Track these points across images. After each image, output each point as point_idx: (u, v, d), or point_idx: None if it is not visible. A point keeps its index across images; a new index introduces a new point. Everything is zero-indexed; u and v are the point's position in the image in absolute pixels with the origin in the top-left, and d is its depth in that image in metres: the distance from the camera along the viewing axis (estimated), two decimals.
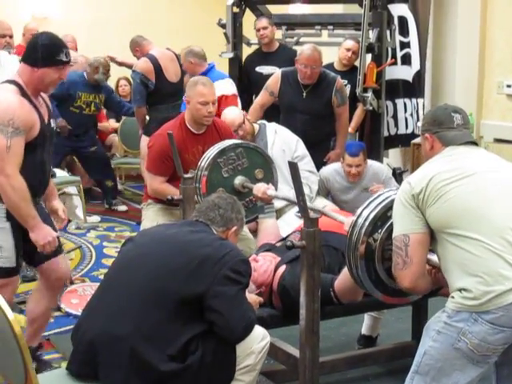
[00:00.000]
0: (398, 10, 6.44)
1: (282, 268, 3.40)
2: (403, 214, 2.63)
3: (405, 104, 6.41)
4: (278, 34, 7.09)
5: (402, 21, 6.44)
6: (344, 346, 4.07)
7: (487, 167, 2.64)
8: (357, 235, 2.91)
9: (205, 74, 6.24)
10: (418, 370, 2.63)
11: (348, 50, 6.36)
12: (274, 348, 3.29)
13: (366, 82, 6.15)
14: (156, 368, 2.73)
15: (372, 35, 6.26)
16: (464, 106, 6.76)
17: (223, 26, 7.00)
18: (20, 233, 3.55)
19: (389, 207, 2.84)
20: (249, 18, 7.31)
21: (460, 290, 2.51)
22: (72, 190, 6.91)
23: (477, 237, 2.49)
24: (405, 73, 6.32)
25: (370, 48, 6.19)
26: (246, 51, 7.34)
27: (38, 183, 3.57)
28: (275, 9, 7.61)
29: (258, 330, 2.96)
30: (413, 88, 6.53)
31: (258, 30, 6.69)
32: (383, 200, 2.92)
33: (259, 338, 2.94)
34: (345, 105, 5.81)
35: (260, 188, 3.98)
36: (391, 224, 2.79)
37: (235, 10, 7.04)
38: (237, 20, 7.03)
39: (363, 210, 2.94)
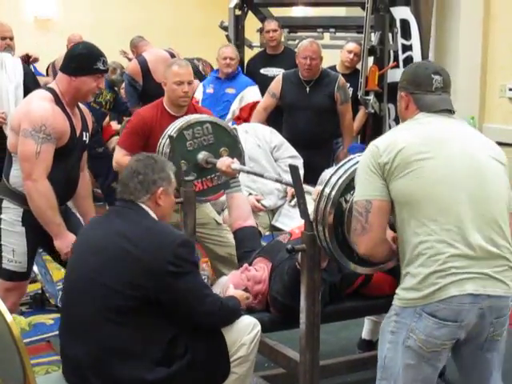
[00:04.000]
0: (401, 12, 6.44)
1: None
2: (368, 178, 2.53)
3: None
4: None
5: (404, 24, 6.43)
6: (344, 349, 4.05)
7: (460, 148, 2.52)
8: (324, 204, 2.79)
9: (233, 77, 6.32)
10: (382, 375, 2.61)
11: (350, 52, 6.37)
12: (274, 352, 3.28)
13: (368, 84, 6.16)
14: (142, 379, 2.64)
15: (374, 38, 6.27)
16: (466, 109, 6.78)
17: (225, 29, 7.02)
18: (37, 237, 3.60)
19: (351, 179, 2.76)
20: (251, 20, 7.31)
21: (406, 274, 2.49)
22: None
23: (433, 227, 2.43)
24: None
25: (372, 51, 6.20)
26: (248, 54, 7.35)
27: (62, 192, 3.59)
28: (278, 11, 7.62)
29: (247, 321, 2.93)
30: None
31: (268, 32, 6.71)
32: (351, 166, 2.81)
33: (249, 329, 2.91)
34: (348, 103, 5.83)
35: (224, 161, 3.86)
36: None
37: (237, 12, 7.05)
38: (239, 22, 7.05)
39: (331, 176, 2.83)
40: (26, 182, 3.45)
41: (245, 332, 2.89)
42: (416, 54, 6.42)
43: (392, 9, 6.41)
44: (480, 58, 6.84)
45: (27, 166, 3.44)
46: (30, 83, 5.31)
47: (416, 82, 2.65)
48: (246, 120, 6.16)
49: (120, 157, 4.49)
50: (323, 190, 2.83)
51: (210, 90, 6.64)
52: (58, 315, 4.61)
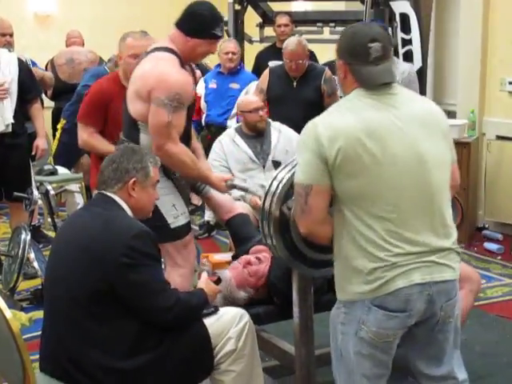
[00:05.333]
0: (400, 6, 6.42)
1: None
2: (310, 162, 2.43)
3: None
4: None
5: (404, 18, 6.42)
6: None
7: (399, 143, 2.42)
8: (269, 203, 2.81)
9: (236, 73, 6.33)
10: (340, 366, 2.60)
11: None
12: (270, 345, 3.29)
13: None
14: (110, 368, 2.62)
15: None
16: (466, 103, 6.77)
17: (225, 24, 7.00)
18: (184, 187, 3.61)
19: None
20: (250, 15, 7.31)
21: (347, 266, 2.47)
22: (74, 187, 6.92)
23: (377, 225, 2.40)
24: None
25: None
26: (248, 48, 7.35)
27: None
28: (277, 6, 7.62)
29: (232, 312, 2.89)
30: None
31: (279, 26, 6.74)
32: (290, 170, 2.82)
33: (235, 321, 2.87)
34: (334, 95, 5.86)
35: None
36: None
37: (237, 7, 7.08)
38: (238, 17, 7.06)
39: (273, 180, 2.85)
40: (158, 152, 3.30)
41: (231, 325, 2.85)
42: (416, 48, 6.41)
43: (391, 3, 6.40)
44: (480, 52, 6.82)
45: (158, 138, 3.34)
46: (26, 79, 5.33)
47: (352, 52, 2.49)
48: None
49: (87, 135, 4.38)
50: (270, 186, 2.83)
51: (212, 85, 6.66)
52: None
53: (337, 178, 2.42)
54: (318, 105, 5.75)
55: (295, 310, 2.97)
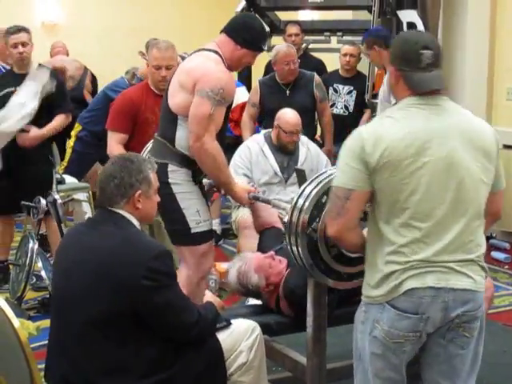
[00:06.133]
0: (407, 16, 6.42)
1: (286, 272, 3.40)
2: (352, 165, 2.46)
3: None
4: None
5: (412, 27, 6.41)
6: (351, 353, 4.04)
7: (442, 156, 2.42)
8: (296, 218, 2.90)
9: None
10: (358, 365, 2.63)
11: (345, 55, 6.49)
12: (281, 355, 3.28)
13: (376, 88, 6.16)
14: None
15: None
16: (473, 112, 6.70)
17: None
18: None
19: (323, 193, 2.85)
20: None
21: (372, 267, 2.52)
22: (81, 196, 6.91)
23: (409, 232, 2.43)
24: None
25: None
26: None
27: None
28: (284, 15, 7.63)
29: (245, 325, 2.90)
30: None
31: (290, 36, 6.76)
32: (325, 178, 2.91)
33: (246, 334, 2.87)
34: (326, 100, 5.97)
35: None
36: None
37: None
38: None
39: (298, 198, 2.92)
40: (195, 143, 3.39)
41: (243, 338, 2.86)
42: None
43: (399, 12, 6.40)
44: (487, 61, 6.82)
45: (198, 128, 3.39)
46: (54, 95, 5.28)
47: (404, 58, 2.51)
48: (237, 120, 6.23)
49: (114, 143, 4.48)
50: (297, 202, 2.88)
51: None
52: None
53: (378, 180, 2.44)
54: (311, 111, 5.83)
55: (309, 319, 2.96)
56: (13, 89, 5.20)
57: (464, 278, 2.47)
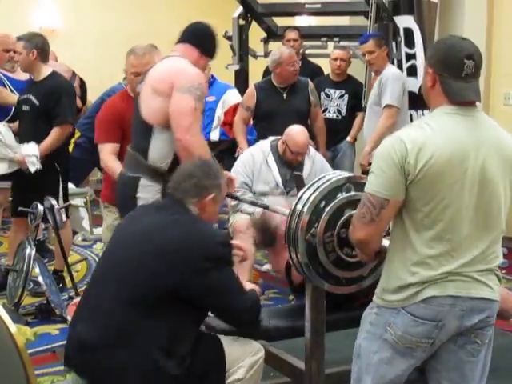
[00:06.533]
0: (404, 21, 6.45)
1: None
2: (392, 176, 2.42)
3: (411, 116, 6.41)
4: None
5: (408, 32, 6.45)
6: (349, 357, 4.03)
7: (474, 173, 2.43)
8: (294, 232, 2.91)
9: (210, 85, 6.36)
10: (356, 362, 2.63)
11: (335, 59, 6.51)
12: (279, 360, 3.28)
13: None
14: (139, 366, 2.64)
15: None
16: None
17: (229, 39, 7.03)
18: None
19: (321, 198, 2.86)
20: (255, 30, 7.33)
21: (391, 272, 2.51)
22: (79, 201, 6.92)
23: (432, 246, 2.44)
24: (411, 84, 6.30)
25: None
26: (252, 63, 7.36)
27: None
28: (281, 21, 7.64)
29: (253, 344, 2.93)
30: (419, 99, 6.49)
31: (288, 41, 6.76)
32: (323, 184, 2.92)
33: (252, 351, 2.90)
34: (319, 106, 6.03)
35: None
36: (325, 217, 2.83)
37: (241, 22, 7.08)
38: (243, 32, 7.07)
39: (296, 203, 2.94)
40: (185, 136, 3.39)
41: (248, 354, 2.89)
42: (420, 63, 6.43)
43: (395, 18, 6.43)
44: (484, 66, 6.79)
45: (186, 120, 3.39)
46: (51, 104, 5.23)
47: (446, 64, 2.47)
48: (231, 123, 6.22)
49: (105, 154, 4.40)
50: (295, 207, 2.88)
51: (211, 98, 6.67)
52: (63, 325, 4.64)
53: (413, 192, 2.43)
54: (306, 115, 5.85)
55: (307, 324, 2.96)
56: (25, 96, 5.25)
57: (484, 287, 2.48)
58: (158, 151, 3.47)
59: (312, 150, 5.28)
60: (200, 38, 3.64)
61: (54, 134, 5.14)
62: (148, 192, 3.51)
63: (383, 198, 2.43)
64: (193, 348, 2.74)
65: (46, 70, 5.23)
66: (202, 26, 3.71)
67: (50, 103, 5.10)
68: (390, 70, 5.92)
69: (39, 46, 5.17)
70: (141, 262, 2.71)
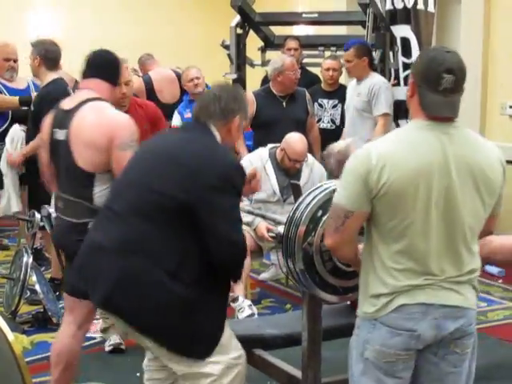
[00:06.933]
0: (401, 31, 6.48)
1: None
2: (356, 188, 2.43)
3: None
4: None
5: (405, 42, 6.47)
6: (346, 367, 4.03)
7: (440, 189, 2.40)
8: (291, 241, 2.93)
9: None
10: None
11: (328, 69, 6.51)
12: (276, 369, 3.28)
13: None
14: (144, 273, 2.72)
15: (375, 56, 6.30)
16: (467, 127, 6.73)
17: (227, 47, 7.04)
18: None
19: (318, 207, 2.87)
20: (252, 39, 7.35)
21: (367, 284, 2.51)
22: None
23: (398, 260, 2.44)
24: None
25: (372, 69, 6.23)
26: (250, 72, 7.37)
27: None
28: (279, 30, 7.66)
29: (239, 346, 2.91)
30: None
31: (289, 50, 6.77)
32: (319, 193, 2.94)
33: (235, 352, 2.86)
34: (314, 116, 6.13)
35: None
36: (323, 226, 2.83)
37: (239, 31, 7.08)
38: (240, 41, 7.07)
39: (293, 212, 2.96)
40: None
41: (228, 351, 2.83)
42: None
43: (392, 27, 6.45)
44: (480, 76, 6.86)
45: None
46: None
47: (425, 76, 2.44)
48: None
49: None
50: (293, 216, 2.89)
51: (188, 115, 6.58)
52: None
53: (377, 206, 2.44)
54: (304, 124, 5.86)
55: (304, 333, 2.97)
56: None
57: (455, 295, 2.47)
58: (103, 193, 3.44)
59: (311, 158, 5.30)
60: (109, 70, 3.58)
61: (36, 139, 5.15)
62: None
63: (347, 210, 2.46)
64: (200, 287, 2.76)
65: (49, 77, 5.31)
66: (107, 55, 3.65)
67: (39, 108, 5.08)
68: (379, 78, 5.99)
69: (42, 54, 5.24)
70: (159, 173, 2.81)
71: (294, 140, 5.05)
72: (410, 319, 2.43)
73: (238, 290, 4.97)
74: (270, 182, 5.11)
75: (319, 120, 6.54)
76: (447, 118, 2.46)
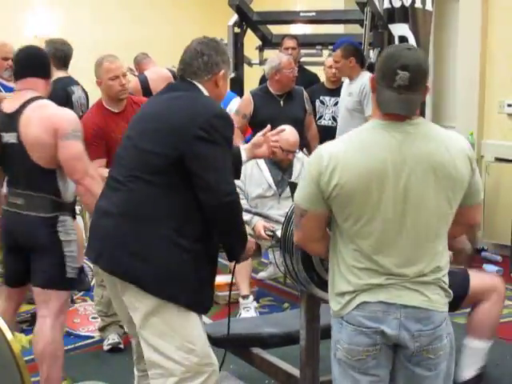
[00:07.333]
0: (399, 29, 6.46)
1: None
2: (309, 188, 2.46)
3: None
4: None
5: (403, 40, 6.44)
6: None
7: (396, 192, 2.38)
8: (289, 241, 2.93)
9: None
10: None
11: (330, 67, 6.50)
12: (274, 367, 3.29)
13: None
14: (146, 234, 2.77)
15: (373, 55, 6.30)
16: (465, 125, 6.78)
17: None
18: None
19: None
20: (250, 38, 7.35)
21: (332, 282, 2.53)
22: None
23: (360, 259, 2.44)
24: None
25: (370, 67, 6.23)
26: (247, 71, 7.37)
27: None
28: (276, 29, 7.66)
29: (209, 356, 2.88)
30: None
31: (287, 49, 6.76)
32: None
33: (204, 360, 2.85)
34: (312, 114, 6.11)
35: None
36: None
37: (236, 30, 7.09)
38: (238, 40, 7.08)
39: (291, 211, 2.94)
40: (85, 179, 3.47)
41: (200, 357, 2.83)
42: None
43: (390, 26, 6.44)
44: (478, 74, 6.86)
45: (81, 165, 3.48)
46: None
47: (382, 73, 2.41)
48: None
49: (99, 170, 4.35)
50: (291, 215, 2.90)
51: None
52: None
53: (332, 207, 2.45)
54: (302, 123, 5.87)
55: (302, 332, 2.97)
56: None
57: (418, 296, 2.44)
58: (68, 188, 3.58)
59: (301, 154, 5.35)
60: (40, 67, 3.66)
61: None
62: (67, 226, 3.60)
63: (302, 209, 2.50)
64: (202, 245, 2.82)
65: (55, 75, 5.38)
66: (33, 51, 3.74)
67: None
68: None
69: (51, 53, 5.30)
70: (150, 135, 2.85)
71: (286, 132, 5.08)
72: (371, 318, 2.43)
73: (245, 288, 5.00)
74: (264, 176, 5.17)
75: (320, 117, 6.55)
76: (402, 117, 2.42)
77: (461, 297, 3.69)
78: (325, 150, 2.46)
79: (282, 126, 4.88)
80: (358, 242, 2.43)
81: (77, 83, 5.66)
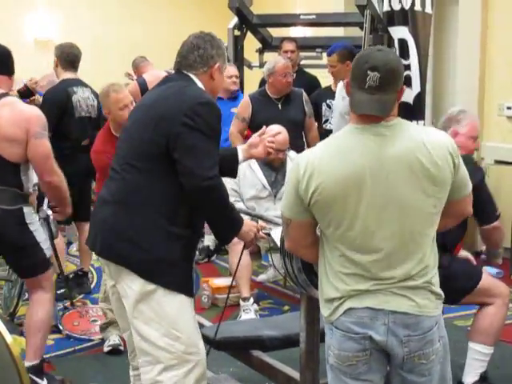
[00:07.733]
0: (399, 32, 6.46)
1: None
2: (291, 197, 2.48)
3: None
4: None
5: (403, 43, 6.45)
6: None
7: (374, 194, 2.37)
8: None
9: (236, 98, 6.51)
10: None
11: None
12: (274, 370, 3.28)
13: None
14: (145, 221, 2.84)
15: None
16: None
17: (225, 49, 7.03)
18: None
19: None
20: (250, 40, 7.35)
21: (321, 289, 2.53)
22: None
23: (348, 264, 2.44)
24: (405, 95, 6.31)
25: None
26: (248, 74, 7.37)
27: None
28: (276, 32, 7.67)
29: (197, 348, 2.91)
30: (413, 110, 6.51)
31: (286, 52, 6.76)
32: None
33: (190, 349, 2.88)
34: (312, 116, 6.09)
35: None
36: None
37: (236, 33, 7.10)
38: (238, 43, 7.09)
39: None
40: (52, 178, 3.70)
41: (188, 348, 2.87)
42: (414, 73, 6.44)
43: (390, 28, 6.43)
44: (478, 77, 6.86)
45: (49, 164, 3.67)
46: None
47: (353, 74, 2.43)
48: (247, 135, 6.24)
49: None
50: None
51: None
52: (58, 336, 4.65)
53: (314, 214, 2.46)
54: (301, 125, 5.89)
55: (302, 335, 2.96)
56: None
57: (405, 301, 2.42)
58: (30, 181, 3.77)
59: (293, 153, 5.33)
60: (4, 64, 3.78)
61: None
62: (32, 216, 3.81)
63: (287, 218, 2.53)
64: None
65: (61, 77, 5.70)
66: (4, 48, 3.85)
67: (41, 106, 5.30)
68: None
69: (59, 55, 5.66)
70: (144, 125, 2.92)
71: (275, 131, 5.12)
72: (358, 323, 2.42)
73: (245, 290, 5.01)
74: (257, 177, 5.22)
75: (326, 121, 6.53)
76: (376, 118, 2.41)
77: (467, 289, 3.72)
78: (302, 157, 2.48)
79: (272, 126, 4.93)
80: (342, 248, 2.43)
81: (84, 85, 5.80)
